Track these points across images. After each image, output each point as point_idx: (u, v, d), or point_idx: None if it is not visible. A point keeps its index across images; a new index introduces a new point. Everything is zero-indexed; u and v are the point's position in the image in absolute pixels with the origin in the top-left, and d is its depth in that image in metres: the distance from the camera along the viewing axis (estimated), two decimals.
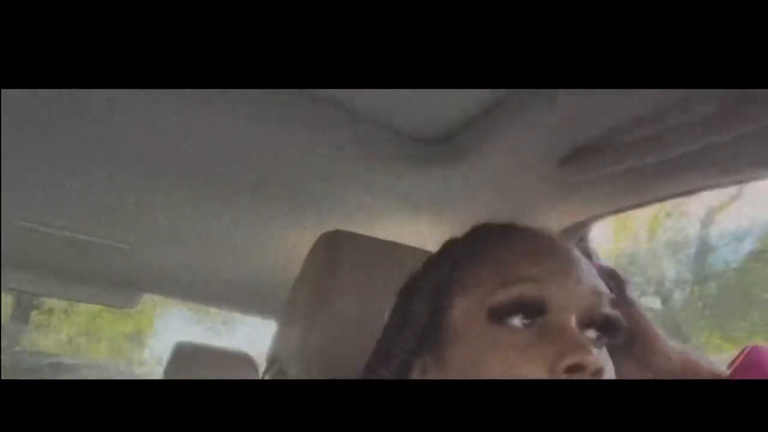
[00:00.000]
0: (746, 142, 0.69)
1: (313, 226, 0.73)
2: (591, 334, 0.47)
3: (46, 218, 1.29)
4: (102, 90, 0.77)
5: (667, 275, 2.03)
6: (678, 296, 2.04)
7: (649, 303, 1.91)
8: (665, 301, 2.02)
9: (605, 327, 0.48)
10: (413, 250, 0.72)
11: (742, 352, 0.54)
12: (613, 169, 0.81)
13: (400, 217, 1.13)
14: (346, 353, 0.63)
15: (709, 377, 0.53)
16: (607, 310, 0.48)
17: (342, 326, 0.66)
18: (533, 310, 0.46)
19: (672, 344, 0.55)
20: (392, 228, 1.13)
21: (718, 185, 0.83)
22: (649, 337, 0.55)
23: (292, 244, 1.27)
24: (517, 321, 0.45)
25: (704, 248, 1.97)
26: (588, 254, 1.03)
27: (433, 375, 0.49)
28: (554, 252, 0.49)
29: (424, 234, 1.11)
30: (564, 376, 0.42)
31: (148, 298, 1.93)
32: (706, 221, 1.90)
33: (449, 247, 0.55)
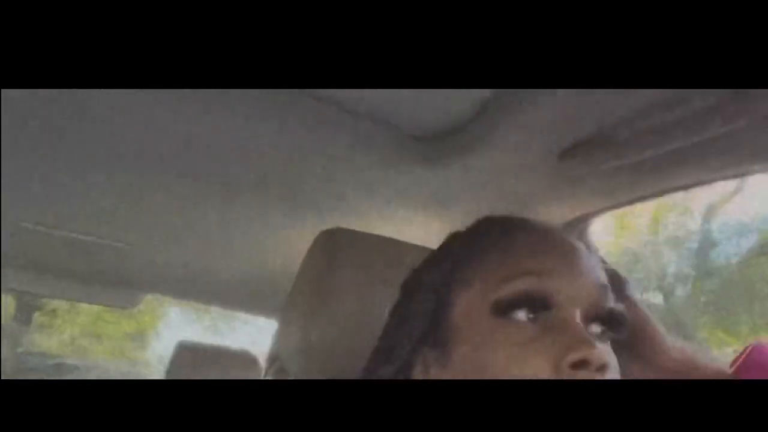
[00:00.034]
0: (747, 134, 0.69)
1: (312, 225, 0.73)
2: (595, 328, 0.47)
3: (46, 218, 1.30)
4: (102, 90, 0.77)
5: (668, 270, 2.03)
6: (680, 291, 2.04)
7: (651, 298, 1.91)
8: (667, 296, 2.02)
9: (609, 321, 0.47)
10: (414, 247, 0.72)
11: (745, 350, 0.54)
12: (613, 163, 0.81)
13: (400, 215, 1.12)
14: (346, 350, 0.63)
15: (711, 375, 0.53)
16: (612, 304, 0.48)
17: (342, 323, 0.66)
18: (538, 304, 0.45)
19: (674, 342, 0.55)
20: (393, 226, 1.13)
21: (720, 178, 0.83)
22: (651, 336, 0.54)
23: (293, 242, 1.27)
24: (521, 315, 0.45)
25: (706, 243, 1.98)
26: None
27: (435, 371, 0.49)
28: (558, 245, 0.49)
29: (425, 231, 1.11)
30: (569, 371, 0.42)
31: (149, 298, 1.93)
32: (708, 216, 1.90)
33: (452, 240, 0.55)
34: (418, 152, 0.93)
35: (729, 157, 0.75)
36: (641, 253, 2.08)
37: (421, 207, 1.09)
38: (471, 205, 1.02)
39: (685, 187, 0.87)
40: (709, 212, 1.89)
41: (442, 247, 0.55)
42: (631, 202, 0.95)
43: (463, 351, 0.47)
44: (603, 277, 0.49)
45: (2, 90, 0.76)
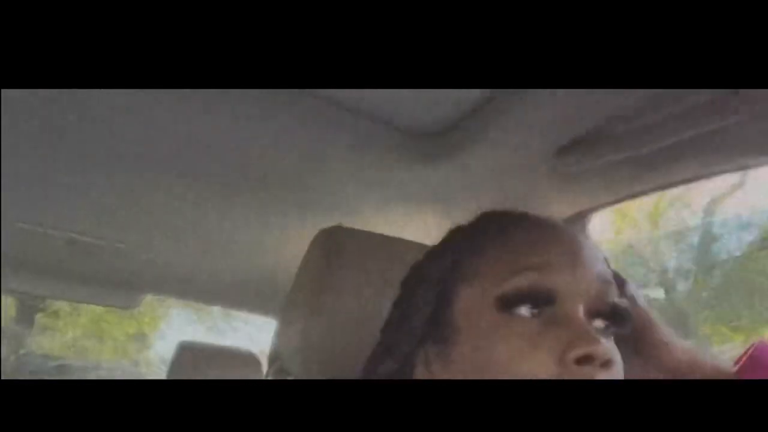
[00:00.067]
0: (742, 129, 0.69)
1: (312, 224, 0.73)
2: (598, 323, 0.47)
3: (46, 219, 1.30)
4: (102, 90, 0.77)
5: (669, 266, 2.03)
6: (681, 286, 2.04)
7: (652, 294, 1.90)
8: (668, 291, 2.01)
9: (613, 316, 0.47)
10: (413, 245, 0.72)
11: (749, 348, 0.54)
12: (612, 159, 0.81)
13: (400, 213, 1.12)
14: (347, 349, 0.62)
15: (714, 374, 0.53)
16: (615, 299, 0.47)
17: (342, 321, 0.66)
18: (541, 299, 0.45)
19: (677, 341, 0.55)
20: (392, 224, 1.13)
21: (719, 172, 0.83)
22: (654, 333, 0.54)
23: (293, 242, 1.27)
24: (524, 310, 0.45)
25: (707, 238, 1.97)
26: None
27: (437, 366, 0.48)
28: (561, 239, 0.49)
29: (425, 228, 1.11)
30: (573, 367, 0.42)
31: (150, 299, 1.93)
32: (709, 210, 1.90)
33: (454, 235, 0.54)
34: (417, 150, 0.93)
35: (724, 152, 0.76)
36: (642, 248, 2.08)
37: (421, 205, 1.09)
38: (471, 202, 1.02)
39: (683, 182, 0.87)
40: (711, 207, 1.89)
41: (443, 242, 0.55)
42: (629, 198, 0.95)
43: (465, 347, 0.46)
44: (606, 271, 0.49)
45: (2, 90, 0.76)
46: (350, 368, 0.55)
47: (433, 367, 0.49)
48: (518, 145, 0.86)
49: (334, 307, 0.66)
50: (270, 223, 1.25)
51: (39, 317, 4.16)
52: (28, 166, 1.05)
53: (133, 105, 0.84)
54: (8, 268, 1.56)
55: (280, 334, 0.73)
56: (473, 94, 0.81)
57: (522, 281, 0.45)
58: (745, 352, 0.53)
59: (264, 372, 1.16)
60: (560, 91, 0.72)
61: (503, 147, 0.87)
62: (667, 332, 0.55)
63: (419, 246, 0.69)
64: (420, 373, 0.50)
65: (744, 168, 0.81)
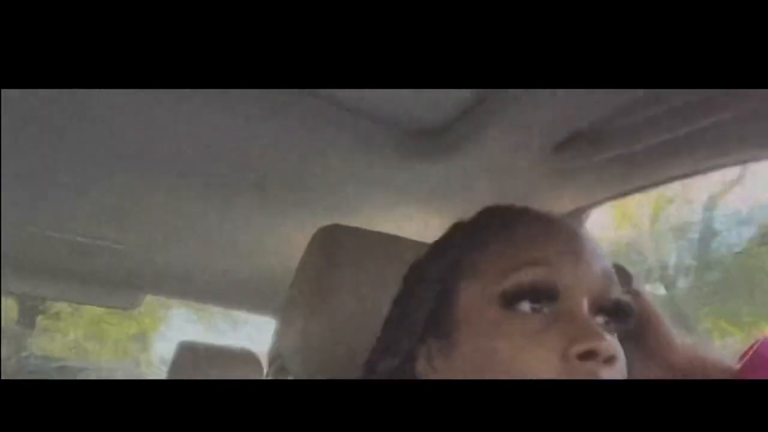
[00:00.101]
0: (735, 125, 0.69)
1: (312, 224, 0.73)
2: (601, 319, 0.47)
3: (46, 219, 1.29)
4: (102, 90, 0.77)
5: (670, 262, 2.03)
6: (682, 282, 2.04)
7: (653, 290, 1.90)
8: (669, 287, 2.01)
9: (616, 312, 0.47)
10: (412, 243, 0.72)
11: (752, 345, 0.53)
12: (610, 154, 0.81)
13: (400, 211, 1.13)
14: (346, 347, 0.62)
15: (718, 371, 0.52)
16: (618, 294, 0.47)
17: (342, 320, 0.65)
18: (545, 295, 0.45)
19: (682, 339, 0.54)
20: (392, 222, 1.13)
21: (712, 168, 0.83)
22: (658, 329, 0.54)
23: (292, 241, 1.27)
24: (526, 306, 0.45)
25: (707, 233, 1.97)
26: None
27: (439, 362, 0.48)
28: (563, 234, 0.49)
29: (424, 226, 1.11)
30: (576, 362, 0.42)
31: (150, 299, 1.93)
32: (709, 206, 1.90)
33: (455, 231, 0.54)
34: (417, 149, 0.93)
35: (719, 147, 0.76)
36: (642, 244, 2.08)
37: (421, 203, 1.09)
38: (470, 200, 1.02)
39: (680, 177, 0.87)
40: (711, 203, 1.89)
41: (445, 238, 0.55)
42: (626, 193, 0.95)
43: (467, 342, 0.46)
44: (608, 265, 0.48)
45: (2, 90, 0.76)
46: (350, 367, 0.55)
47: (435, 362, 0.49)
48: (516, 141, 0.86)
49: (334, 306, 0.66)
50: (270, 223, 1.25)
51: (40, 319, 4.16)
52: (28, 166, 1.05)
53: (133, 105, 0.84)
54: (8, 268, 1.56)
55: (280, 334, 0.73)
56: (471, 94, 0.81)
57: (524, 277, 0.45)
58: (749, 349, 0.53)
59: (264, 372, 1.16)
60: (558, 90, 0.72)
61: (501, 144, 0.87)
62: (671, 329, 0.54)
63: (418, 244, 0.69)
64: (421, 368, 0.50)
65: (740, 163, 0.81)
